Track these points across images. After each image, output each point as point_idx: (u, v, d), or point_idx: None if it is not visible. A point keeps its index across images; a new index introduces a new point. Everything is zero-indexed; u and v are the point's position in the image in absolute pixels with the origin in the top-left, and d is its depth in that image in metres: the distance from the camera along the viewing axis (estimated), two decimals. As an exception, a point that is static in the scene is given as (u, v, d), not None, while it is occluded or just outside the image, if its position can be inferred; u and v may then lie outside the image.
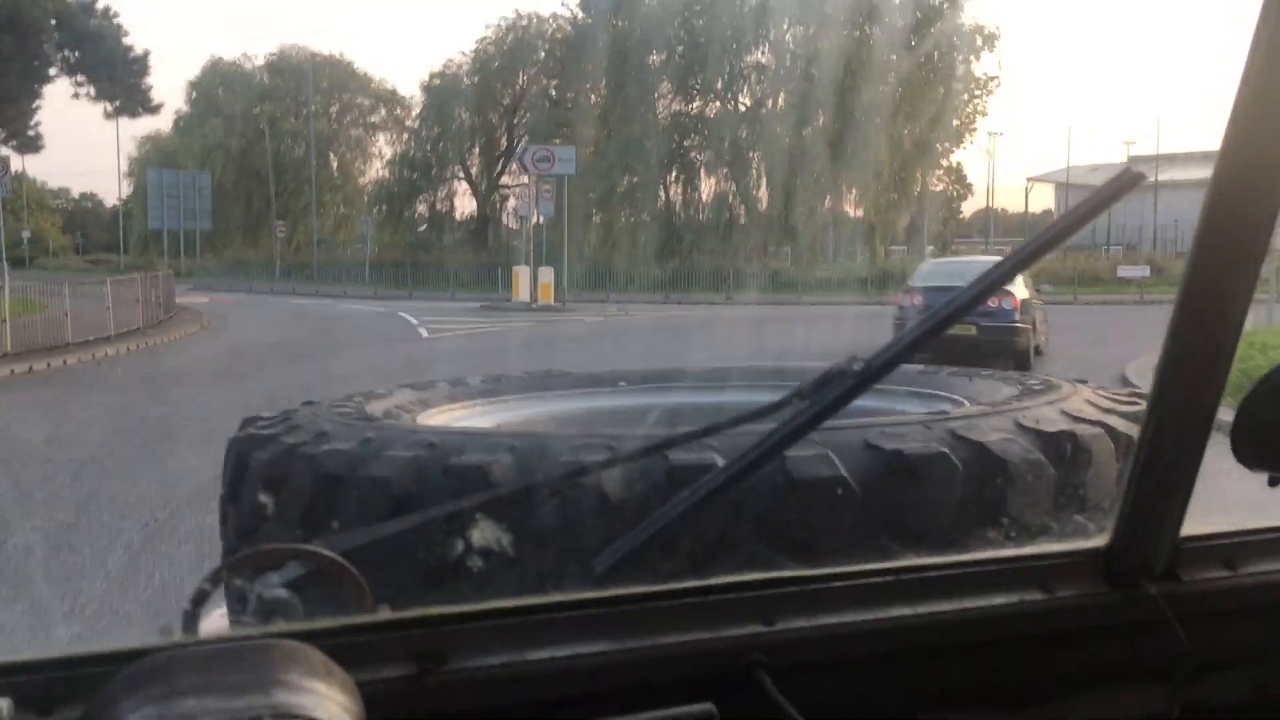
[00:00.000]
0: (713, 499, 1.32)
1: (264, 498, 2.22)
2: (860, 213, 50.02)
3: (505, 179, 59.41)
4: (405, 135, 62.08)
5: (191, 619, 1.25)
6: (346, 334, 27.70)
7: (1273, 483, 1.47)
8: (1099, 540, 1.49)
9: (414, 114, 61.89)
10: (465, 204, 60.67)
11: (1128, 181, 1.27)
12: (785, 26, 48.91)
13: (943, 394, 3.08)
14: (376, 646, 1.19)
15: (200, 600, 1.24)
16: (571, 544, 1.65)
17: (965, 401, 2.86)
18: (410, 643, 1.20)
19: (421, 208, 61.03)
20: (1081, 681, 1.48)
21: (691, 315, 32.00)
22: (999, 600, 1.43)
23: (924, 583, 1.41)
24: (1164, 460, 1.42)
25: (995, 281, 1.29)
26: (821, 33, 46.08)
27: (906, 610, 1.38)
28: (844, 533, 1.88)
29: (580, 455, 1.88)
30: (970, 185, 52.24)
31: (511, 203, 54.23)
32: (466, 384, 3.38)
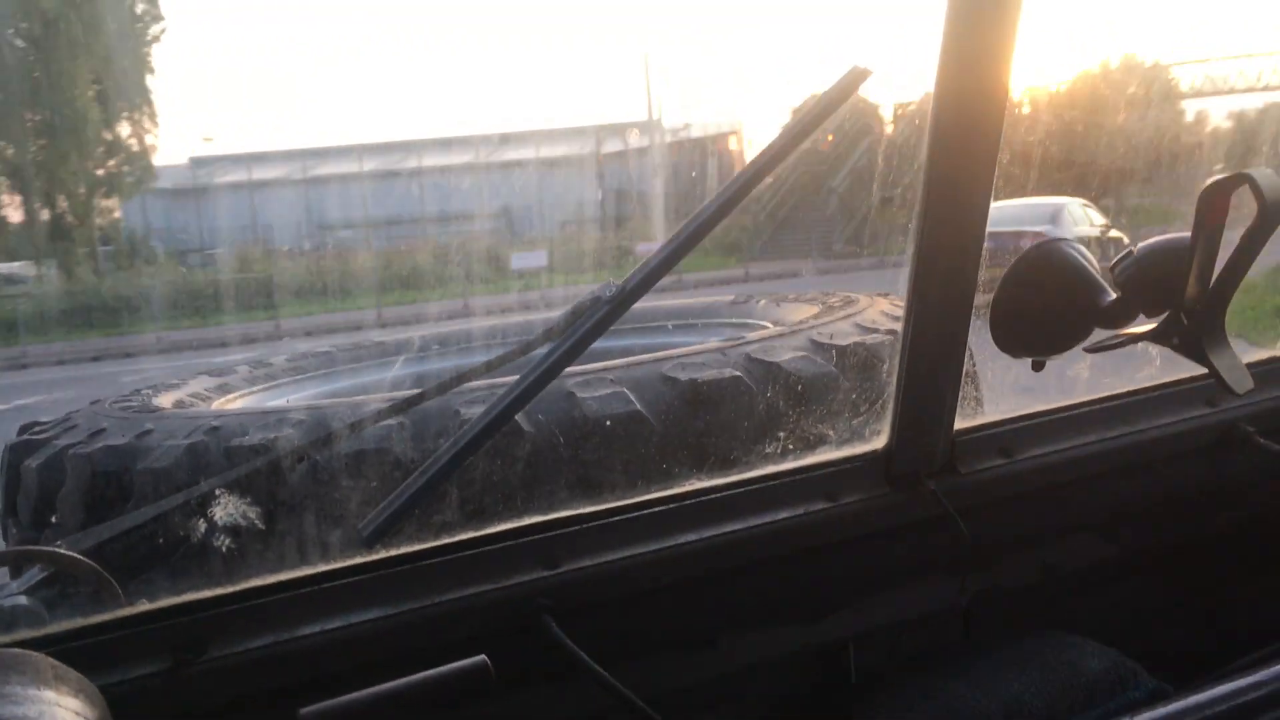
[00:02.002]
0: (476, 446, 1.27)
1: (41, 505, 2.08)
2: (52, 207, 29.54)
3: None
4: None
5: None
6: None
7: (1036, 367, 1.51)
8: (878, 443, 1.50)
9: None
10: None
11: (855, 78, 1.27)
12: None
13: (752, 322, 3.10)
14: (125, 644, 1.11)
15: None
16: (340, 511, 1.59)
17: (771, 326, 2.89)
18: (164, 636, 1.12)
19: None
20: (874, 583, 1.50)
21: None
22: (785, 514, 1.42)
23: (709, 505, 1.40)
24: (928, 359, 1.44)
25: (733, 197, 1.27)
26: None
27: (692, 535, 1.37)
28: (645, 467, 1.86)
29: (367, 423, 1.81)
30: (149, 166, 31.58)
31: None
32: (269, 364, 3.24)
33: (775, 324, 2.91)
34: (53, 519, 2.03)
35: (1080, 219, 16.59)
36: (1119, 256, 1.39)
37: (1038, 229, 14.92)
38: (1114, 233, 17.04)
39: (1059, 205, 16.69)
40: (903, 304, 2.60)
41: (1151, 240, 1.38)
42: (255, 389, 3.05)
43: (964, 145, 1.30)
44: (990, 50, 1.26)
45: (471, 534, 1.28)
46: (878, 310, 2.49)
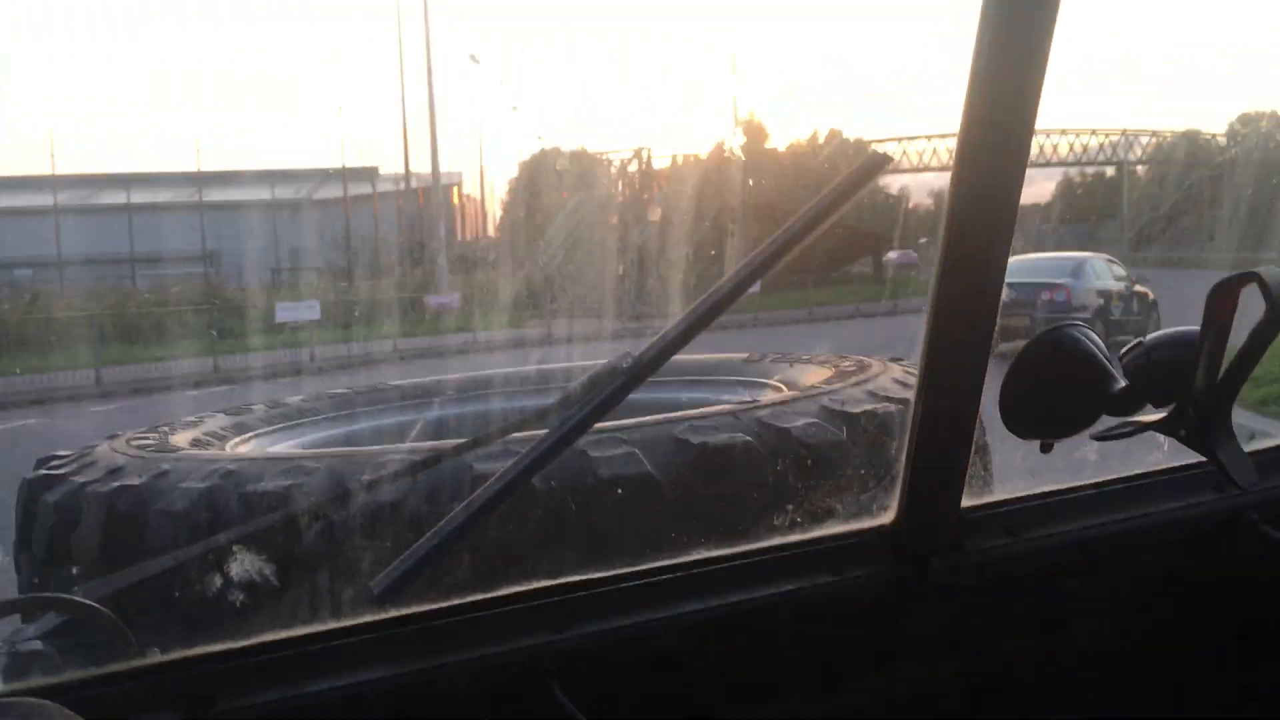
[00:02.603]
0: (490, 510, 1.29)
1: (56, 542, 2.11)
2: None
3: None
4: None
5: None
6: None
7: (1044, 448, 1.52)
8: (885, 517, 1.52)
9: None
10: None
11: (874, 165, 1.30)
12: None
13: (764, 381, 3.12)
14: (135, 695, 1.13)
15: None
16: (351, 568, 1.61)
17: (783, 388, 2.91)
18: (175, 688, 1.14)
19: None
20: (877, 659, 1.51)
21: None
22: (790, 585, 1.44)
23: (715, 575, 1.41)
24: (938, 436, 1.45)
25: (749, 275, 1.30)
26: None
27: (698, 604, 1.38)
28: (653, 530, 1.88)
29: (384, 473, 1.83)
30: None
31: None
32: (285, 404, 3.27)
33: (788, 386, 2.93)
34: (67, 558, 2.05)
35: (1103, 273, 16.95)
36: (1129, 346, 1.42)
37: (1059, 281, 15.21)
38: (1138, 287, 17.19)
39: (1081, 260, 17.13)
40: (912, 375, 2.61)
41: (1162, 332, 1.40)
42: (271, 429, 3.08)
43: (979, 237, 1.33)
44: (1010, 128, 1.29)
45: (480, 596, 1.30)
46: (889, 377, 2.51)
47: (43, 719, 0.97)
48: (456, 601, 1.28)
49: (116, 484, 2.08)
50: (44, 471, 2.36)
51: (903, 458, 1.49)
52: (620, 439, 1.98)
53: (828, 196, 1.29)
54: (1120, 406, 1.42)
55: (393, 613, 1.25)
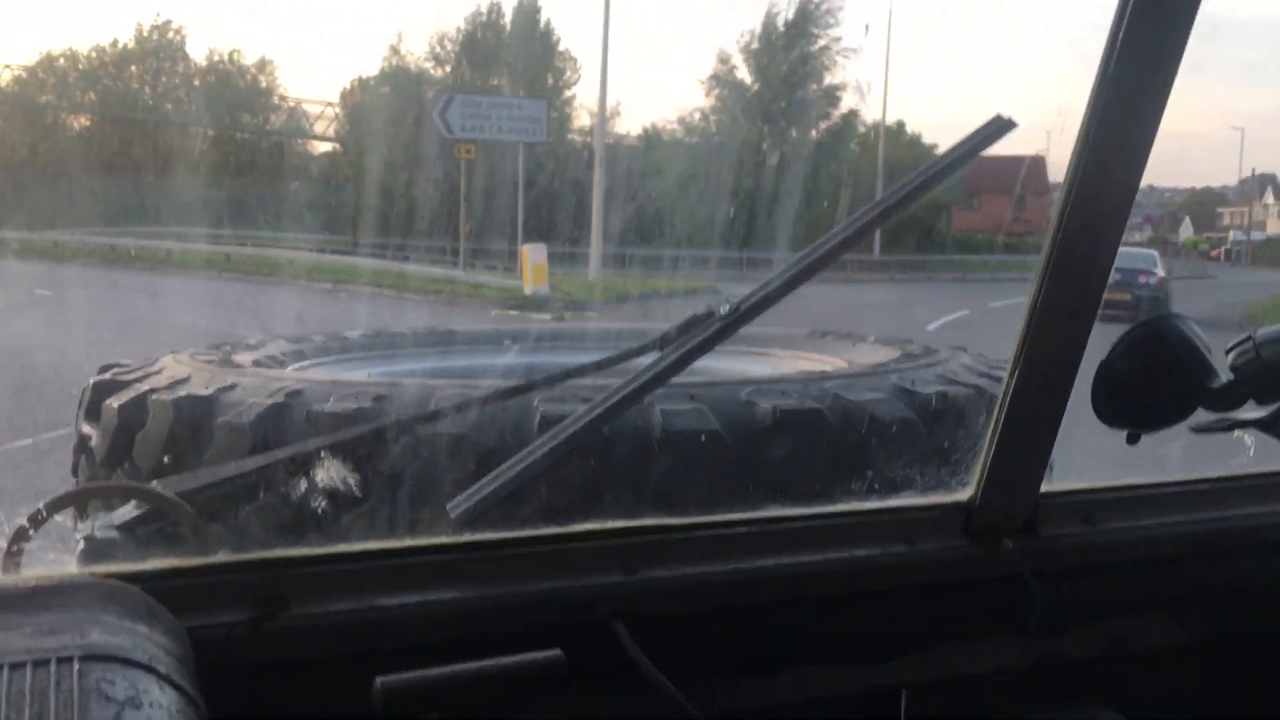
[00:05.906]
0: (573, 444, 1.28)
1: (117, 445, 2.12)
2: None
3: None
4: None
5: (13, 558, 1.17)
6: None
7: (1131, 439, 1.49)
8: (962, 495, 1.50)
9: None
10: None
11: (999, 128, 1.27)
12: None
13: (827, 357, 3.09)
14: (211, 590, 1.13)
15: (20, 538, 1.16)
16: (429, 489, 1.60)
17: (847, 364, 2.88)
18: (248, 587, 1.14)
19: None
20: (938, 634, 1.49)
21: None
22: (861, 552, 1.42)
23: (787, 534, 1.40)
24: (1025, 418, 1.43)
25: (859, 229, 1.27)
26: None
27: (769, 561, 1.37)
28: (716, 486, 1.87)
29: (452, 409, 1.83)
30: None
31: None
32: (344, 338, 3.28)
33: (851, 363, 2.90)
34: (128, 461, 2.06)
35: (1159, 264, 19.10)
36: (1237, 340, 1.38)
37: (1153, 270, 17.59)
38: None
39: (1155, 255, 19.67)
40: (985, 361, 2.58)
41: (1273, 328, 1.37)
42: (329, 359, 3.09)
43: (1099, 211, 1.29)
44: (1139, 111, 1.26)
45: (555, 530, 1.29)
46: (959, 363, 2.47)
47: (120, 600, 0.97)
48: (531, 533, 1.27)
49: (183, 393, 2.09)
50: (109, 376, 2.38)
51: (986, 435, 1.46)
52: (689, 395, 1.97)
53: (949, 155, 1.26)
54: (1221, 401, 1.39)
55: (468, 537, 1.25)
